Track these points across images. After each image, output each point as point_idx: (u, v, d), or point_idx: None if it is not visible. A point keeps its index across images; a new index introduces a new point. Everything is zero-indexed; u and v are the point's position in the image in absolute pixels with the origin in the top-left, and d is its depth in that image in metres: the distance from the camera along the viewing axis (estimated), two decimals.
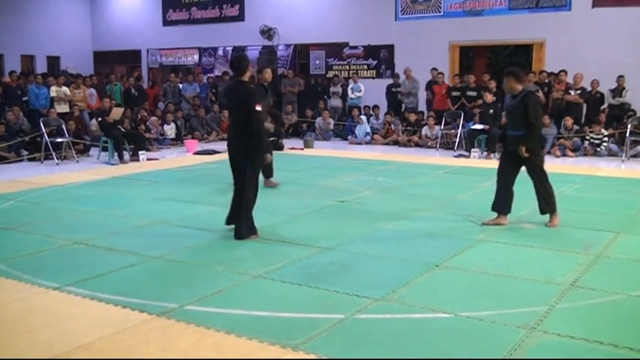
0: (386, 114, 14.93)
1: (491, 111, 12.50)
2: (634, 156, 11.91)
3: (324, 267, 5.00)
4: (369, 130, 14.76)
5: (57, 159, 11.50)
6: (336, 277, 4.73)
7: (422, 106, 15.18)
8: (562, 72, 13.32)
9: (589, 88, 13.12)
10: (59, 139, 11.84)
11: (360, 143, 14.50)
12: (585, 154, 12.19)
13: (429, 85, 14.86)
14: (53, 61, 19.63)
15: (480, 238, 5.87)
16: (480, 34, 14.99)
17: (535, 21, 14.43)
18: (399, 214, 6.91)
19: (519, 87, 6.24)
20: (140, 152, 11.81)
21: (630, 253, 5.37)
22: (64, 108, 13.68)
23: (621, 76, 12.84)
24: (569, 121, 12.66)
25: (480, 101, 13.22)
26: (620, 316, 3.99)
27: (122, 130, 11.93)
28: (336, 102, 15.98)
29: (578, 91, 13.04)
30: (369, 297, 4.27)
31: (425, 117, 14.37)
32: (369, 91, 15.81)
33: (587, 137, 12.41)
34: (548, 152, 12.53)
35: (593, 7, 13.78)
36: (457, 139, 13.29)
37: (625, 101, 12.92)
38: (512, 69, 6.42)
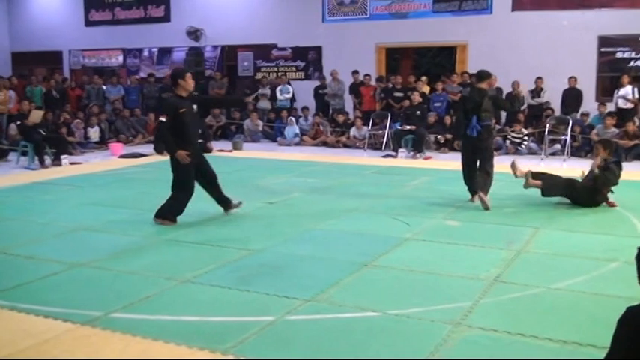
0: (314, 115, 15.01)
1: (418, 112, 12.76)
2: (552, 154, 12.39)
3: (254, 269, 4.98)
4: (297, 131, 14.78)
5: None
6: (266, 279, 4.72)
7: (349, 107, 15.33)
8: None
9: (510, 89, 13.56)
10: None
11: (289, 145, 14.51)
12: (507, 153, 12.57)
13: (352, 89, 15.01)
14: None
15: (407, 237, 5.98)
16: (406, 36, 15.26)
17: (458, 24, 14.80)
18: (328, 215, 6.96)
19: None
20: (62, 156, 11.40)
21: (549, 248, 5.59)
22: None
23: (539, 78, 13.37)
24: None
25: (406, 102, 13.44)
26: (541, 309, 4.14)
27: (42, 133, 11.51)
28: (264, 104, 15.93)
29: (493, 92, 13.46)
30: (299, 298, 4.28)
31: (353, 118, 14.51)
32: (298, 92, 15.85)
33: (509, 136, 12.84)
34: None
35: (512, 10, 14.26)
36: (384, 140, 13.50)
37: (543, 101, 13.45)
38: None
